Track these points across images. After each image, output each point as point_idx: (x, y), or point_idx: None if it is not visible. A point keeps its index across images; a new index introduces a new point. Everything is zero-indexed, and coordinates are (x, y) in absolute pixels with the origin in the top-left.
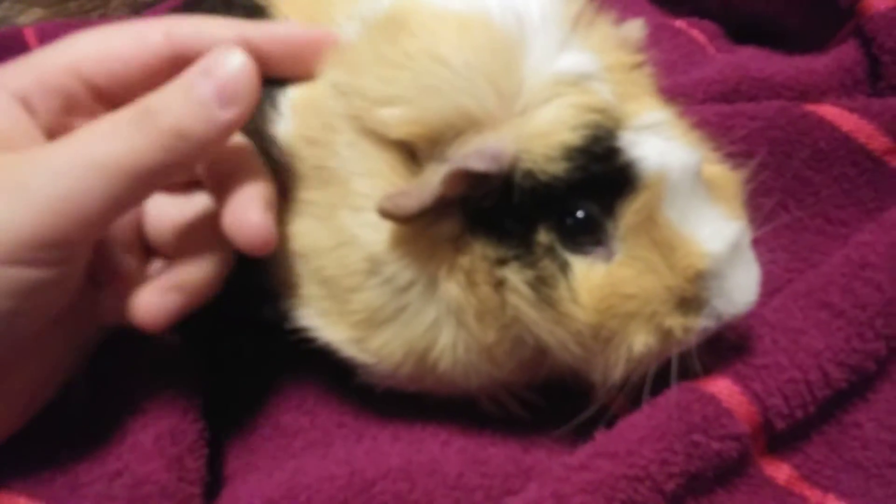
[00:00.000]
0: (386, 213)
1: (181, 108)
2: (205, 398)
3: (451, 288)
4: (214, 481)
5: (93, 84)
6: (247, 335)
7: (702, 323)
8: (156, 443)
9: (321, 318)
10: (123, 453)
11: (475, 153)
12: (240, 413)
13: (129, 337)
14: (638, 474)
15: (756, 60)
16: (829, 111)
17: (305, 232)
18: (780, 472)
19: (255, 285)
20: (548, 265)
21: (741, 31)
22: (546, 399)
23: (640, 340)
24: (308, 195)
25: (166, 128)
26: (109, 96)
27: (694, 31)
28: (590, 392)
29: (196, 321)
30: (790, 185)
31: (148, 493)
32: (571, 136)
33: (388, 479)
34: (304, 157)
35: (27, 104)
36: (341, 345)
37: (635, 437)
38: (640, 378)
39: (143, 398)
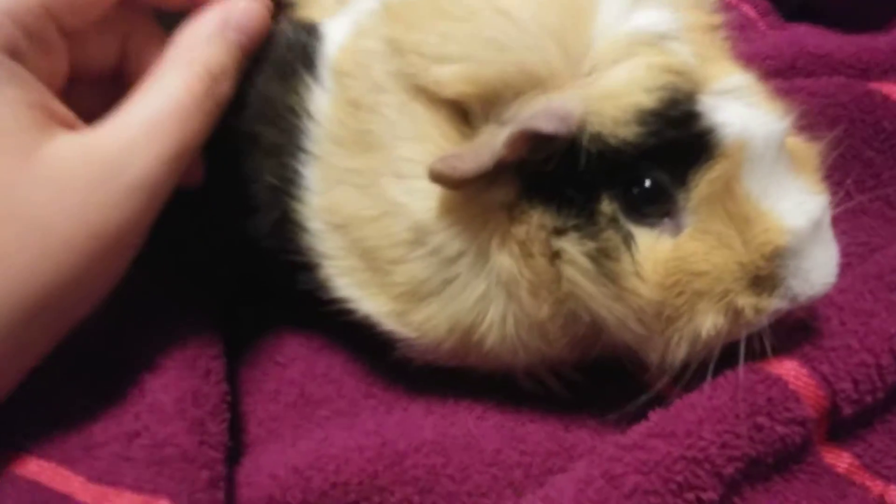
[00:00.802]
0: (438, 177)
1: None
2: (228, 363)
3: (504, 259)
4: (235, 448)
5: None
6: (274, 302)
7: (775, 304)
8: (177, 404)
9: (361, 290)
10: (142, 413)
11: (543, 113)
12: (263, 380)
13: (149, 292)
14: (696, 456)
15: (812, 36)
16: (895, 90)
17: (345, 202)
18: (841, 460)
19: (288, 251)
20: (610, 237)
21: (792, 13)
22: (588, 378)
23: (709, 321)
24: (349, 163)
25: None
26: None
27: (745, 6)
28: (639, 374)
29: (223, 285)
30: (850, 165)
31: (168, 456)
32: (646, 99)
33: (420, 452)
34: (346, 122)
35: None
36: (382, 318)
37: (694, 417)
38: (701, 361)
39: (163, 357)
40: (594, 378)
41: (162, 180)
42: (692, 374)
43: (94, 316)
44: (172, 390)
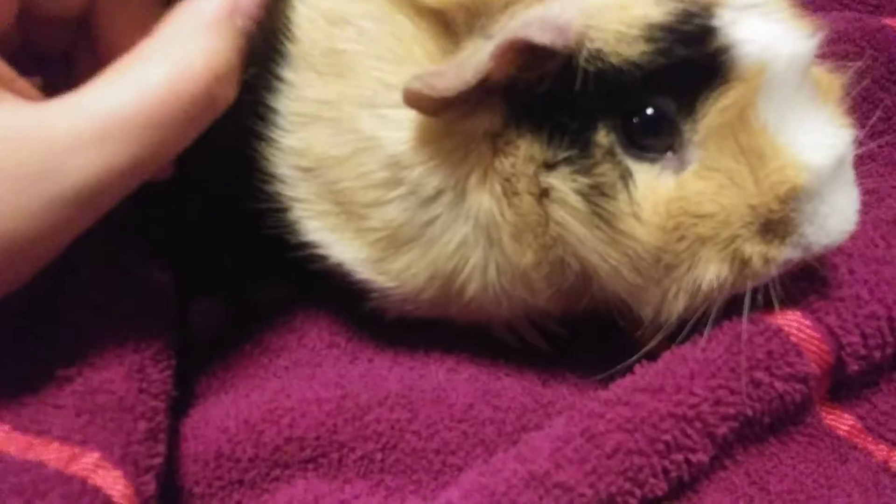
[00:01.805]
0: (415, 99)
1: None
2: (176, 307)
3: (484, 198)
4: (182, 399)
5: None
6: (231, 245)
7: (786, 253)
8: (115, 348)
9: (334, 235)
10: (76, 357)
11: (538, 22)
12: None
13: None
14: (687, 414)
15: None
16: None
17: (316, 141)
18: (842, 422)
19: (254, 199)
20: (606, 172)
21: None
22: (571, 334)
23: (711, 270)
24: (319, 92)
25: None
26: None
27: None
28: (630, 330)
29: (173, 224)
30: (860, 108)
31: (102, 404)
32: (656, 11)
33: (384, 405)
34: (320, 41)
35: None
36: (356, 265)
37: (685, 371)
38: (696, 317)
39: (101, 296)
40: (578, 333)
41: (106, 193)
42: (689, 331)
43: None
44: (112, 334)
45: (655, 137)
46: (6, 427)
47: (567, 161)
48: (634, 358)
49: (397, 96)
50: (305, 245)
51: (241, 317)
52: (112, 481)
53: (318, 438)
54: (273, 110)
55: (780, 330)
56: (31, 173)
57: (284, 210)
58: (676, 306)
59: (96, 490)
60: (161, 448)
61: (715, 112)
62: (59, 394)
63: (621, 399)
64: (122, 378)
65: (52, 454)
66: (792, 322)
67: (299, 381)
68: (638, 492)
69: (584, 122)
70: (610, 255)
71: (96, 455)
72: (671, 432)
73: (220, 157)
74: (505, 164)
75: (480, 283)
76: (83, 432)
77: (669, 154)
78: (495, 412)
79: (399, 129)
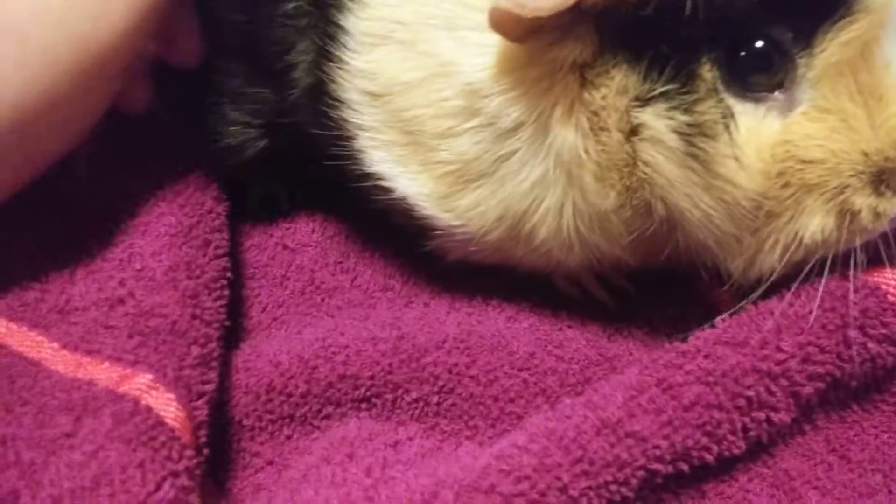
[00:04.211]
0: (502, 20)
1: None
2: (234, 245)
3: (568, 134)
4: (235, 333)
5: None
6: (286, 175)
7: None
8: (168, 273)
9: (399, 167)
10: (128, 279)
11: None
12: (270, 265)
13: (145, 150)
14: (772, 370)
15: None
16: None
17: (388, 64)
18: None
19: (320, 125)
20: (707, 110)
21: None
22: (640, 290)
23: (816, 221)
24: (393, 12)
25: None
26: None
27: None
28: (710, 291)
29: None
30: None
31: (154, 327)
32: None
33: (442, 349)
34: None
35: None
36: (421, 200)
37: (771, 325)
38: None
39: (156, 222)
40: (647, 292)
41: None
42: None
43: (78, 168)
44: (164, 258)
45: (764, 74)
46: (55, 345)
47: (664, 96)
48: (718, 319)
49: (481, 18)
50: (369, 177)
51: (293, 253)
52: (165, 403)
53: (372, 378)
54: (342, 29)
55: (877, 288)
56: None
57: (350, 138)
58: (771, 259)
59: (149, 410)
60: (213, 375)
61: (836, 46)
62: (111, 314)
63: (701, 351)
64: (175, 303)
65: (102, 374)
66: (891, 280)
67: (353, 320)
68: (715, 448)
69: (688, 54)
70: (703, 200)
71: (149, 377)
72: (754, 388)
73: (286, 79)
74: (595, 96)
75: (554, 225)
76: (135, 353)
77: (777, 93)
78: (558, 362)
79: (480, 54)
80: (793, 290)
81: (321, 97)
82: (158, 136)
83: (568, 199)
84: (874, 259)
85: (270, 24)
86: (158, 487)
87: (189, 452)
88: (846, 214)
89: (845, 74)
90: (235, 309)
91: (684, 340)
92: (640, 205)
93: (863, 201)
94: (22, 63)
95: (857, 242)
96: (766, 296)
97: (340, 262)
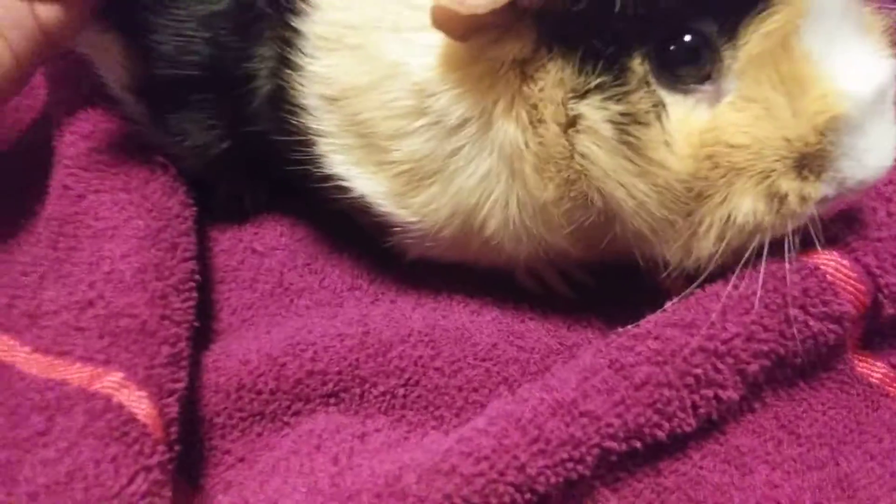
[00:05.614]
0: (443, 18)
1: None
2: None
3: (509, 127)
4: (205, 335)
5: None
6: (261, 185)
7: (822, 190)
8: (137, 274)
9: (357, 168)
10: (98, 282)
11: None
12: (239, 269)
13: (113, 156)
14: (718, 348)
15: None
16: None
17: (340, 70)
18: (875, 369)
19: (281, 131)
20: (640, 101)
21: None
22: (598, 282)
23: (747, 203)
24: (346, 16)
25: None
26: None
27: None
28: (653, 277)
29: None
30: None
31: (125, 328)
32: None
33: (407, 342)
34: None
35: None
36: (378, 199)
37: (717, 307)
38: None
39: (124, 225)
40: (605, 283)
41: None
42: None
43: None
44: (133, 260)
45: (693, 66)
46: (27, 349)
47: (599, 88)
48: (668, 305)
49: (425, 18)
50: (330, 178)
51: (262, 256)
52: (136, 400)
53: (339, 373)
54: (298, 34)
55: (816, 268)
56: None
57: (310, 143)
58: (707, 244)
59: (120, 407)
60: (183, 374)
61: (758, 37)
62: (81, 317)
63: (651, 333)
64: (145, 304)
65: (74, 374)
66: (829, 261)
67: (321, 319)
68: (666, 425)
69: (620, 48)
70: (637, 186)
71: (120, 375)
72: (702, 367)
73: (247, 89)
74: (533, 89)
75: (502, 218)
76: (106, 353)
77: (706, 85)
78: (519, 352)
79: (425, 54)
80: (736, 273)
81: (281, 104)
82: (126, 141)
83: (512, 192)
84: (811, 242)
85: (232, 32)
86: (131, 481)
87: (161, 448)
88: (774, 198)
89: (768, 64)
90: (206, 312)
91: (637, 326)
92: (578, 196)
93: (788, 185)
94: None
95: (790, 227)
96: (713, 281)
97: (309, 264)
